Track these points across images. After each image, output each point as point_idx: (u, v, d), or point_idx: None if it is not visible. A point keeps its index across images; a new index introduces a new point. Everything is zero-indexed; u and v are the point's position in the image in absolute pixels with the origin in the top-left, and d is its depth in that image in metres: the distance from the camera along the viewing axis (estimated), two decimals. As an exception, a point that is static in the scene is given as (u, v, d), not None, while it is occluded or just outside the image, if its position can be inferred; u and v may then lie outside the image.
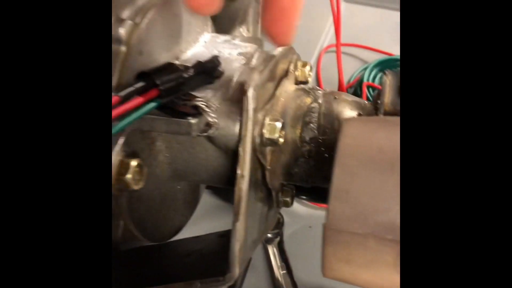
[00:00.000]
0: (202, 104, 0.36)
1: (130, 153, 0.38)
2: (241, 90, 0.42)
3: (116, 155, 0.36)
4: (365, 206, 0.29)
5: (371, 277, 0.30)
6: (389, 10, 0.88)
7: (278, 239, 0.59)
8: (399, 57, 0.72)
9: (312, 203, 0.62)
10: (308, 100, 0.42)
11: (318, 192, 0.55)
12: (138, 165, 0.37)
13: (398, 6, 0.88)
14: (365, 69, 0.73)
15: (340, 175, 0.30)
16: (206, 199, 0.63)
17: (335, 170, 0.30)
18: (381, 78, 0.74)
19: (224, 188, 0.58)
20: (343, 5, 0.69)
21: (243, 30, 0.60)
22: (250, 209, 0.40)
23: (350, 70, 0.76)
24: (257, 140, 0.38)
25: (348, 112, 0.41)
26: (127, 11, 0.40)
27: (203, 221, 0.60)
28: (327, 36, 0.83)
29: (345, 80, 0.76)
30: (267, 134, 0.38)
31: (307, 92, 0.43)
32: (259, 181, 0.42)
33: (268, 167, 0.42)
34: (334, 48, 0.81)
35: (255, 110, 0.38)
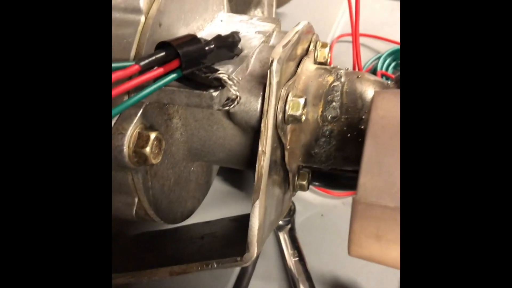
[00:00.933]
0: (224, 77, 0.35)
1: (148, 127, 0.37)
2: (264, 64, 0.41)
3: (134, 127, 0.35)
4: (397, 179, 0.28)
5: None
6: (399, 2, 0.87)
7: (289, 226, 0.58)
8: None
9: (325, 191, 0.61)
10: (330, 78, 0.41)
11: (332, 179, 0.53)
12: (157, 138, 0.36)
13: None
14: (379, 58, 0.72)
15: (372, 147, 0.29)
16: (217, 186, 0.62)
17: (367, 142, 0.29)
18: (394, 67, 0.73)
19: (239, 170, 0.58)
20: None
21: (257, 13, 0.59)
22: (269, 188, 0.39)
23: (363, 60, 0.75)
24: (279, 116, 0.37)
25: (372, 91, 0.40)
26: (148, -19, 0.38)
27: (213, 208, 0.59)
28: (339, 26, 0.82)
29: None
30: (290, 111, 0.37)
31: (329, 71, 0.42)
32: (278, 162, 0.41)
33: (288, 147, 0.41)
34: (345, 38, 0.80)
35: (279, 85, 0.36)
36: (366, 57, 0.76)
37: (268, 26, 0.47)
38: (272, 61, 0.36)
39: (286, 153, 0.41)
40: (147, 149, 0.35)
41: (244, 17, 0.49)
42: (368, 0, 0.88)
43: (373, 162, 0.29)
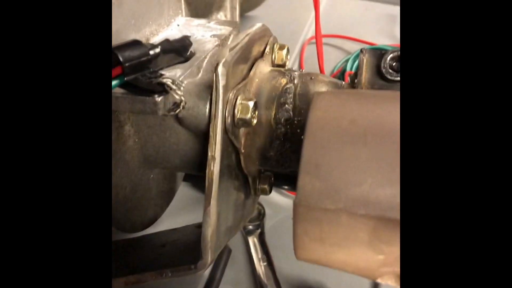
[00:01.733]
0: (168, 81, 0.34)
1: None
2: (212, 68, 0.41)
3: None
4: (337, 180, 0.27)
5: (345, 257, 0.28)
6: (373, 2, 0.87)
7: (259, 230, 0.58)
8: (382, 47, 0.70)
9: (294, 194, 0.60)
10: (283, 80, 0.41)
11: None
12: None
13: (382, -2, 0.88)
14: (348, 59, 0.72)
15: (310, 148, 0.28)
16: (186, 192, 0.61)
17: (304, 143, 0.29)
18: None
19: (199, 176, 0.57)
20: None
21: (220, 17, 0.58)
22: (223, 194, 0.38)
23: (334, 61, 0.75)
24: (229, 120, 0.36)
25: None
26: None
27: (182, 215, 0.58)
28: (310, 28, 0.81)
29: (328, 70, 0.74)
30: (239, 114, 0.36)
31: (282, 73, 0.41)
32: (233, 166, 0.40)
33: (242, 151, 0.40)
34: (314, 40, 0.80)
35: (226, 88, 0.36)
36: (337, 58, 0.76)
37: (225, 30, 0.46)
38: (217, 64, 0.35)
39: (242, 157, 0.41)
40: None
41: (202, 21, 0.49)
42: (341, 0, 0.88)
43: (311, 163, 0.28)
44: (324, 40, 0.79)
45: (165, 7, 0.46)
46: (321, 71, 0.67)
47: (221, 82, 0.35)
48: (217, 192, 0.37)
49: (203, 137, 0.39)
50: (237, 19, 0.60)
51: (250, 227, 0.58)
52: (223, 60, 0.35)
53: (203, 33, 0.46)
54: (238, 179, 0.42)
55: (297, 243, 0.29)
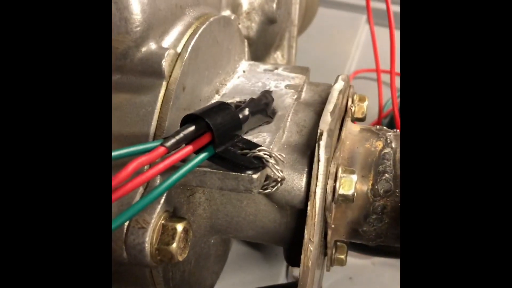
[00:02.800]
0: (266, 155, 0.29)
1: (171, 213, 0.31)
2: (302, 129, 0.35)
3: (157, 218, 0.29)
4: None
5: None
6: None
7: (316, 294, 0.52)
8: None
9: (353, 252, 0.54)
10: (379, 144, 0.35)
11: (360, 245, 0.47)
12: (184, 230, 0.29)
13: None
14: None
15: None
16: (233, 247, 0.55)
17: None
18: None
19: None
20: (375, 29, 0.62)
21: (277, 56, 0.53)
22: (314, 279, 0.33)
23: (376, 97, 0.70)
24: (329, 198, 0.31)
25: (428, 159, 0.34)
26: (169, 37, 0.33)
27: (228, 273, 0.53)
28: (353, 61, 0.77)
29: (373, 109, 0.69)
30: (340, 190, 0.31)
31: (375, 134, 0.36)
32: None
33: (332, 226, 0.35)
34: (362, 74, 0.75)
35: (328, 161, 0.31)
36: (385, 95, 0.71)
37: (298, 79, 0.41)
38: (321, 134, 0.30)
39: (330, 231, 0.35)
40: (174, 245, 0.28)
41: (267, 66, 0.44)
42: (384, 32, 0.84)
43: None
44: (367, 75, 0.75)
45: (232, 52, 0.41)
46: (380, 112, 0.62)
47: (325, 155, 0.30)
48: (312, 280, 0.31)
49: (292, 210, 0.34)
50: (294, 58, 0.55)
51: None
52: (327, 128, 0.30)
53: (276, 82, 0.40)
54: (320, 252, 0.36)
55: None
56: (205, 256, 0.40)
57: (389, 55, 0.60)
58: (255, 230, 0.37)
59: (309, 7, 0.62)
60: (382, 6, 0.55)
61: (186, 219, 0.30)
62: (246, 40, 0.45)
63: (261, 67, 0.43)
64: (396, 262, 0.54)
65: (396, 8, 0.58)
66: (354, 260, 0.56)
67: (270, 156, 0.29)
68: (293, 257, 0.38)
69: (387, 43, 0.59)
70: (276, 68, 0.43)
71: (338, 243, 0.40)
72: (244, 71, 0.43)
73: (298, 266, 0.32)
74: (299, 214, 0.34)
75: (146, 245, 0.28)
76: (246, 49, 0.45)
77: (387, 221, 0.34)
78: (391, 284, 0.55)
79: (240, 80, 0.41)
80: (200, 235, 0.37)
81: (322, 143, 0.30)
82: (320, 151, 0.30)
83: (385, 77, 0.69)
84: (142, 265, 0.29)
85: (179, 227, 0.29)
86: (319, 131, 0.30)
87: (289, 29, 0.52)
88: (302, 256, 0.31)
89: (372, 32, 0.61)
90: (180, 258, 0.29)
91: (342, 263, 0.40)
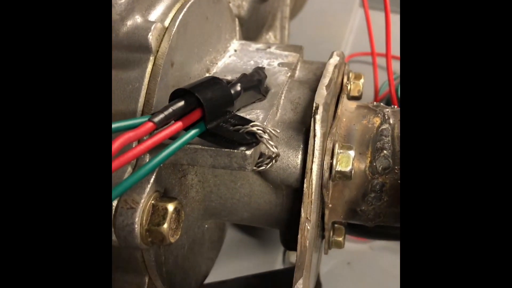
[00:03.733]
0: (259, 130, 0.27)
1: (163, 193, 0.29)
2: (296, 106, 0.34)
3: (147, 198, 0.27)
4: None
5: None
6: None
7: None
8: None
9: (353, 236, 0.53)
10: (376, 120, 0.34)
11: (358, 227, 0.46)
12: (176, 210, 0.28)
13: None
14: (398, 79, 0.66)
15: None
16: (229, 233, 0.54)
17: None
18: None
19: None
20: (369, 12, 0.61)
21: (269, 37, 0.52)
22: (312, 260, 0.32)
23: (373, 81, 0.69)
24: (326, 174, 0.30)
25: (428, 134, 0.33)
26: (156, 11, 0.31)
27: (223, 260, 0.51)
28: (347, 45, 0.75)
29: (369, 93, 0.68)
30: (338, 166, 0.30)
31: (373, 111, 0.35)
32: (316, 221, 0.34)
33: (330, 205, 0.34)
34: (357, 58, 0.74)
35: (324, 136, 0.29)
36: (380, 79, 0.70)
37: (292, 57, 0.40)
38: (316, 108, 0.29)
39: (327, 212, 0.34)
40: (165, 226, 0.27)
41: (259, 45, 0.42)
42: (378, 16, 0.82)
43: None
44: (362, 58, 0.74)
45: (222, 30, 0.40)
46: (376, 95, 0.61)
47: (321, 130, 0.29)
48: (310, 260, 0.30)
49: (287, 189, 0.33)
50: (286, 38, 0.53)
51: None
52: (323, 101, 0.29)
53: (268, 61, 0.39)
54: (317, 234, 0.35)
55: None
56: (199, 241, 0.39)
57: (383, 39, 0.59)
58: (250, 212, 0.36)
59: (301, -11, 0.61)
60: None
61: (177, 199, 0.28)
62: (237, 19, 0.43)
63: (253, 46, 0.42)
64: (395, 246, 0.53)
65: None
66: (352, 245, 0.55)
67: (264, 132, 0.28)
68: (290, 240, 0.37)
69: (380, 27, 0.58)
70: (269, 47, 0.42)
71: (335, 225, 0.39)
72: (235, 50, 0.41)
73: (295, 249, 0.31)
74: (295, 195, 0.33)
75: (136, 226, 0.27)
76: (237, 28, 0.43)
77: (386, 200, 0.33)
78: (390, 268, 0.54)
79: (232, 59, 0.40)
80: (194, 219, 0.36)
81: (318, 117, 0.29)
82: (316, 125, 0.29)
83: (380, 60, 0.68)
84: (132, 247, 0.28)
85: (170, 207, 0.28)
86: (314, 104, 0.29)
87: (281, 9, 0.51)
88: (299, 236, 0.30)
89: (367, 15, 0.60)
90: (172, 240, 0.28)
91: (340, 245, 0.39)
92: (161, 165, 0.29)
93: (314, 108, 0.29)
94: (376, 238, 0.51)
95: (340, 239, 0.39)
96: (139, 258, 0.31)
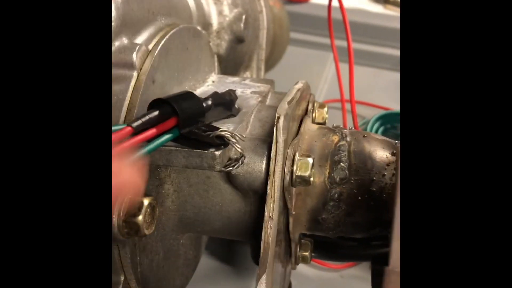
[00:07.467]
0: (227, 134, 0.31)
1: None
2: (264, 124, 0.38)
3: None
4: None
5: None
6: (384, 70, 0.89)
7: (286, 304, 0.53)
8: (399, 112, 0.70)
9: (321, 263, 0.56)
10: (335, 138, 0.38)
11: (331, 249, 0.49)
12: (150, 205, 0.31)
13: (392, 66, 0.89)
14: (366, 123, 0.71)
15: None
16: (204, 260, 0.56)
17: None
18: (383, 131, 0.71)
19: (227, 243, 0.52)
20: (340, 65, 0.68)
21: (246, 76, 0.57)
22: (275, 262, 0.34)
23: (347, 126, 0.74)
24: (287, 177, 0.34)
25: (381, 151, 0.37)
26: (141, 36, 0.36)
27: (201, 286, 0.53)
28: (321, 94, 0.81)
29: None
30: (298, 171, 0.34)
31: (332, 130, 0.39)
32: (281, 230, 0.37)
33: (293, 212, 0.37)
34: (331, 104, 0.79)
35: (286, 143, 0.33)
36: (350, 124, 0.75)
37: (263, 87, 0.45)
38: (278, 118, 0.33)
39: (291, 220, 0.37)
40: (140, 217, 0.30)
41: (236, 78, 0.47)
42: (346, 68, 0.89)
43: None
44: (334, 104, 0.79)
45: (202, 62, 0.44)
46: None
47: (282, 136, 0.33)
48: (273, 258, 0.33)
49: (254, 196, 0.36)
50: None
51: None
52: (284, 113, 0.33)
53: (242, 89, 0.44)
54: (282, 245, 0.38)
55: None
56: (175, 253, 0.41)
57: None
58: (221, 221, 0.39)
59: (277, 41, 0.67)
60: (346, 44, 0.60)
61: (152, 196, 0.32)
62: (216, 56, 0.48)
63: (230, 79, 0.47)
64: (366, 275, 0.55)
65: (356, 46, 0.64)
66: (323, 274, 0.57)
67: (232, 136, 0.32)
68: (258, 255, 0.40)
69: (357, 77, 0.64)
70: (244, 80, 0.47)
71: (302, 240, 0.42)
72: (213, 81, 0.46)
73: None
74: (261, 202, 0.36)
75: (114, 216, 0.30)
76: (216, 64, 0.48)
77: (344, 208, 0.37)
78: (360, 298, 0.56)
79: (209, 87, 0.44)
80: (169, 229, 0.39)
81: (280, 125, 0.33)
82: (277, 133, 0.33)
83: (348, 106, 0.74)
84: (109, 238, 0.30)
85: (146, 201, 0.31)
86: (276, 115, 0.33)
87: (257, 52, 0.56)
88: (263, 234, 0.33)
89: (337, 68, 0.66)
90: (147, 232, 0.31)
91: (306, 260, 0.42)
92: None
93: (276, 118, 0.33)
94: (345, 260, 0.54)
95: (307, 253, 0.42)
96: (116, 255, 0.34)
